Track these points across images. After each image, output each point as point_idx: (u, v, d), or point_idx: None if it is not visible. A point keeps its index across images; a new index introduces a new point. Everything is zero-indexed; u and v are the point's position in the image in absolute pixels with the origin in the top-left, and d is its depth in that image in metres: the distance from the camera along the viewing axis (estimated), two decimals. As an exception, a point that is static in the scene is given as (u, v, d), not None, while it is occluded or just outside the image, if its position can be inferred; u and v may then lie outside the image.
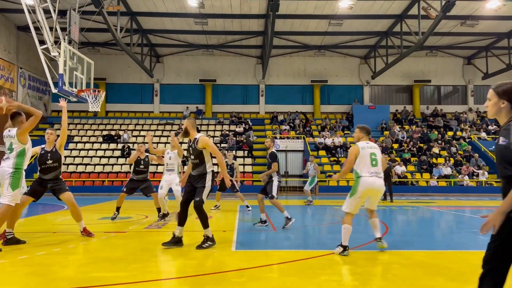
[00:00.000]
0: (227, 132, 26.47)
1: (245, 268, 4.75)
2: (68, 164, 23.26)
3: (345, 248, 5.57)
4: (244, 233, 7.47)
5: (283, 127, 26.99)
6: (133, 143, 24.95)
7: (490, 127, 27.47)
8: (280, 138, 25.70)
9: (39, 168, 7.00)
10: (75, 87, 14.65)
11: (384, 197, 16.07)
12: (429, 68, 30.00)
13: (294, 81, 29.80)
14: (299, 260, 5.27)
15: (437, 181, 22.38)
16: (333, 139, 25.46)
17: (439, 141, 25.89)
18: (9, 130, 6.14)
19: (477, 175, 22.93)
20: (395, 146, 25.56)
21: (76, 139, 25.97)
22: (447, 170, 22.77)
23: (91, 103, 14.57)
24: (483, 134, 26.71)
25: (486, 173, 22.81)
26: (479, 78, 29.28)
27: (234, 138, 25.54)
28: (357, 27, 24.40)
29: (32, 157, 6.92)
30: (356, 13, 22.21)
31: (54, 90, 14.39)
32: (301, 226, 8.89)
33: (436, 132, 26.82)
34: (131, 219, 9.49)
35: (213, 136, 26.18)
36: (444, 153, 24.87)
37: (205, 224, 6.02)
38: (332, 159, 24.33)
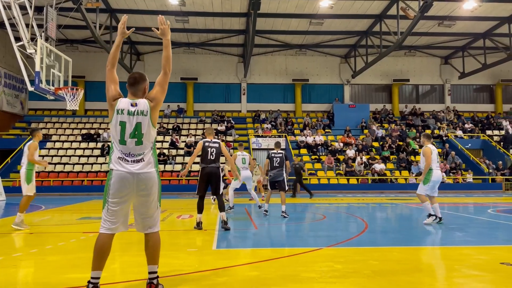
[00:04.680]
0: (209, 131, 26.34)
1: (226, 267, 4.76)
2: (45, 164, 22.74)
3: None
4: (225, 231, 7.47)
5: (265, 125, 27.05)
6: (113, 142, 24.58)
7: (466, 126, 28.13)
8: (262, 136, 25.78)
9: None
10: (53, 85, 14.36)
11: (293, 195, 17.53)
12: (407, 67, 30.52)
13: (275, 80, 29.89)
14: (280, 258, 5.30)
15: (415, 178, 22.79)
16: (314, 138, 25.67)
17: (417, 139, 26.38)
18: (132, 104, 3.72)
19: (455, 173, 23.47)
20: (376, 144, 25.92)
21: (54, 138, 25.45)
22: (425, 168, 23.20)
23: (69, 102, 14.30)
24: (460, 132, 27.33)
25: (472, 173, 23.49)
26: (455, 77, 29.94)
27: (216, 137, 25.44)
28: (338, 26, 24.64)
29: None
30: (337, 12, 22.41)
31: (30, 88, 14.08)
32: (282, 223, 8.94)
33: (414, 131, 27.31)
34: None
35: (195, 135, 26.04)
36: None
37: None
38: (313, 157, 24.54)
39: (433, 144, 9.00)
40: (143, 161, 3.63)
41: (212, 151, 7.66)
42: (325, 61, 30.11)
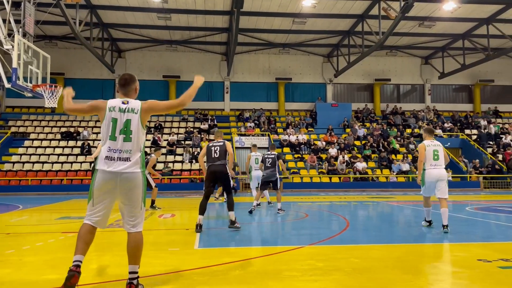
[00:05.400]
0: (192, 129, 26.22)
1: (208, 266, 4.73)
2: (24, 162, 22.29)
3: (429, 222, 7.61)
4: (207, 230, 7.43)
5: (248, 124, 27.04)
6: (93, 140, 24.24)
7: (445, 125, 28.67)
8: (245, 135, 25.78)
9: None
10: (30, 82, 14.05)
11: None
12: (389, 67, 30.94)
13: (259, 78, 29.91)
14: (262, 257, 5.30)
15: (396, 177, 23.15)
16: (297, 136, 25.79)
17: (398, 138, 26.78)
18: (123, 102, 3.82)
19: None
20: (357, 143, 26.19)
21: (33, 136, 24.94)
22: (406, 166, 23.61)
23: (47, 99, 14.01)
24: (439, 131, 27.83)
25: (451, 172, 23.92)
26: (435, 77, 30.48)
27: (199, 135, 25.34)
28: (321, 26, 24.79)
29: None
30: (320, 12, 22.56)
31: (7, 85, 13.75)
32: (264, 222, 8.95)
33: (395, 130, 27.71)
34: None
35: (177, 133, 25.86)
36: (403, 149, 25.74)
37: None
38: (296, 156, 24.66)
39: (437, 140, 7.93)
40: (130, 161, 3.70)
41: (215, 149, 7.70)
42: (308, 60, 30.27)
